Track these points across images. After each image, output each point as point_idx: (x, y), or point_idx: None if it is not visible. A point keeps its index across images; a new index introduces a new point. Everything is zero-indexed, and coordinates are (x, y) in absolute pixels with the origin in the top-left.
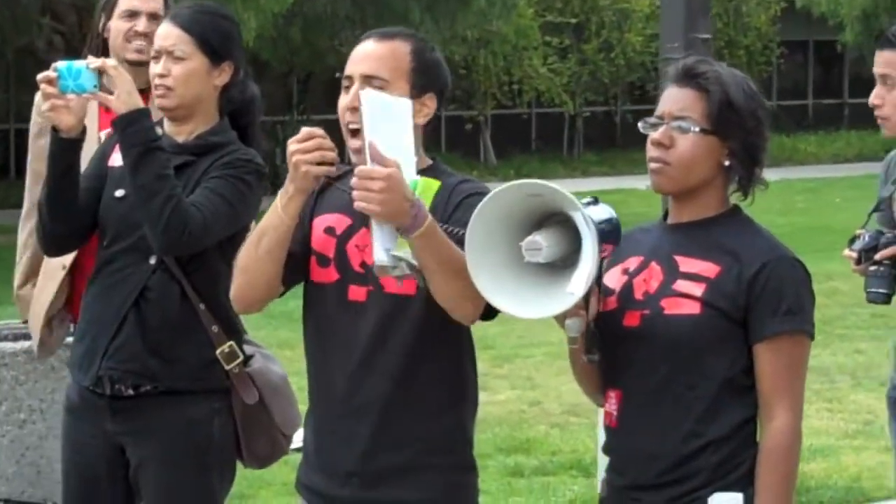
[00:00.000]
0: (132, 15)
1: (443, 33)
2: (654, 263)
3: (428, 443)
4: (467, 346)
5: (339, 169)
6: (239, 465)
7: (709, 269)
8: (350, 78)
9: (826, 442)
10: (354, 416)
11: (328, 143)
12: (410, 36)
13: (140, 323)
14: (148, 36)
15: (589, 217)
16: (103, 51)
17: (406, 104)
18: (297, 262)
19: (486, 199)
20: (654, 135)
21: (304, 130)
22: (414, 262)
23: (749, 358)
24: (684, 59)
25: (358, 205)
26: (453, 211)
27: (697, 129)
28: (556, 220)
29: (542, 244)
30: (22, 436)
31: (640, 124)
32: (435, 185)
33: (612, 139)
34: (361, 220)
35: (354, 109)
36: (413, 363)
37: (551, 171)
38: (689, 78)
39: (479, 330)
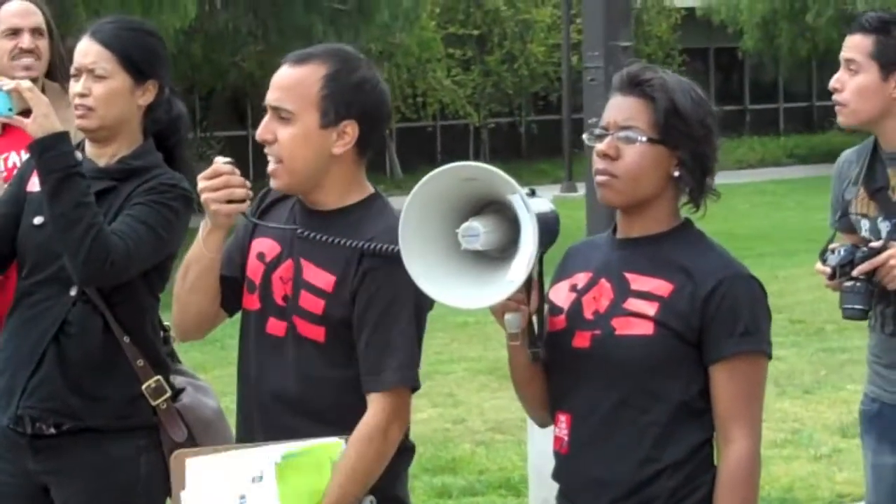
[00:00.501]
0: (14, 32)
1: None
2: (603, 280)
3: None
4: None
5: (258, 201)
6: None
7: (661, 287)
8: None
9: None
10: None
11: (236, 178)
12: (330, 57)
13: (60, 359)
14: (34, 52)
15: (528, 200)
16: None
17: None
18: (240, 288)
19: (420, 184)
20: (599, 146)
21: (214, 166)
22: None
23: (705, 379)
24: (628, 67)
25: None
26: (360, 283)
27: (644, 138)
28: (494, 208)
29: (480, 230)
30: None
31: (584, 136)
32: (325, 461)
33: (517, 150)
34: (289, 250)
35: (266, 142)
36: (333, 408)
37: None
38: (633, 86)
39: None
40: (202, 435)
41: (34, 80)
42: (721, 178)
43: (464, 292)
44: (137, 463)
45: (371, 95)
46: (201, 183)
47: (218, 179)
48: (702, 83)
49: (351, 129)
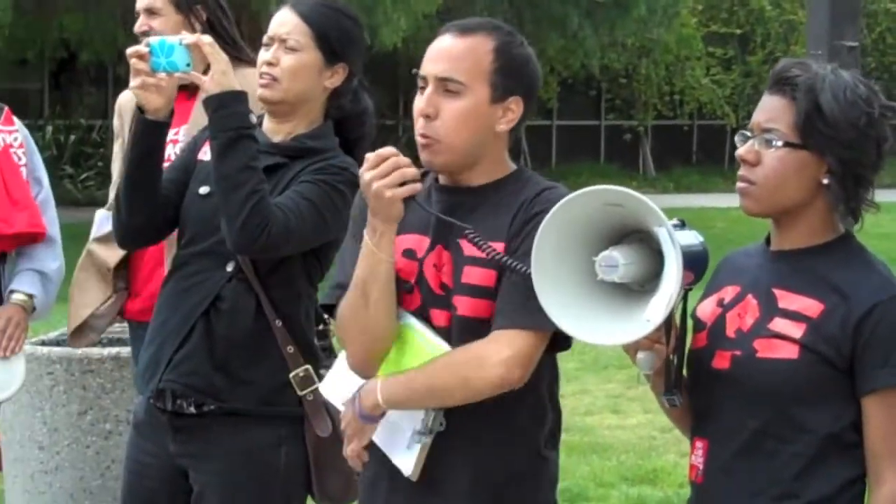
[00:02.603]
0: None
1: (601, 40)
2: (750, 296)
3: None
4: (547, 369)
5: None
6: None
7: (811, 306)
8: (425, 78)
9: None
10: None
11: (403, 159)
12: (494, 29)
13: (208, 334)
14: (146, 34)
15: (675, 235)
16: None
17: None
18: None
19: (560, 203)
20: (738, 150)
21: (376, 152)
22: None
23: (858, 410)
24: (782, 63)
25: None
26: (519, 234)
27: (781, 142)
28: (637, 237)
29: (619, 261)
30: (108, 447)
31: (736, 137)
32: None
33: None
34: (437, 237)
35: (427, 117)
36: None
37: (712, 184)
38: (779, 84)
39: (615, 349)
40: None
41: None
42: None
43: (598, 326)
44: (278, 453)
45: (535, 72)
46: (366, 174)
47: (386, 164)
48: None
49: (516, 106)
